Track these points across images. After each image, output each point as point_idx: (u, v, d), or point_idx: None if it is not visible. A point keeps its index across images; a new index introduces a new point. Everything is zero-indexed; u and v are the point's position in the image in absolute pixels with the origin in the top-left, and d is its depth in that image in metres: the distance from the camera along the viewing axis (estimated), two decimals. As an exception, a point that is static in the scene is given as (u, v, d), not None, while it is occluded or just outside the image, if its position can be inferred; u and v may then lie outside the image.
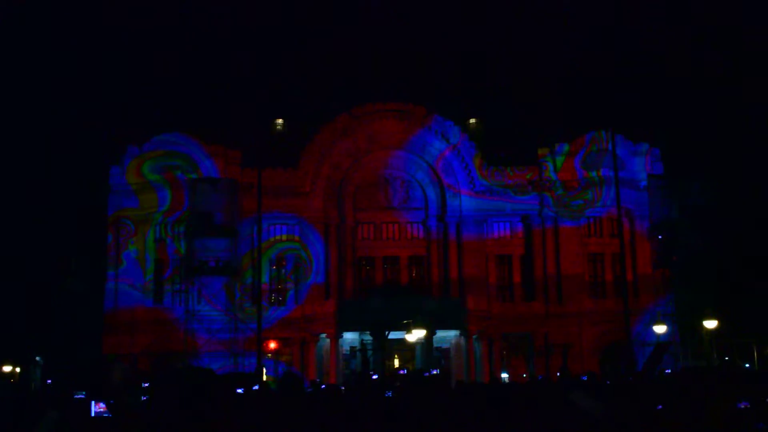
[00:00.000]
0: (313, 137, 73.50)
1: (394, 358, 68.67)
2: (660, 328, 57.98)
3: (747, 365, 64.10)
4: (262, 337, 50.29)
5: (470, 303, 65.67)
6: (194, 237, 65.68)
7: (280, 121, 74.27)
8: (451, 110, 75.04)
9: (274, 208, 68.98)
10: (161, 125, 73.28)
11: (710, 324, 52.97)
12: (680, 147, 74.98)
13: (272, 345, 66.22)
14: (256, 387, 27.99)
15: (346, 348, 67.68)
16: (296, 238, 71.90)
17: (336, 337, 65.29)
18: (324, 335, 65.84)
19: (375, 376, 40.54)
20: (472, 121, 75.45)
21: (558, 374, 57.55)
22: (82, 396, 21.12)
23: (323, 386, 29.84)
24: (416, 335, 54.51)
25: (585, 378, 29.87)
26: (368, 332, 61.38)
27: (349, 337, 65.98)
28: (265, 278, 68.75)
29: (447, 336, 66.18)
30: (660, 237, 66.28)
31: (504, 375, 66.51)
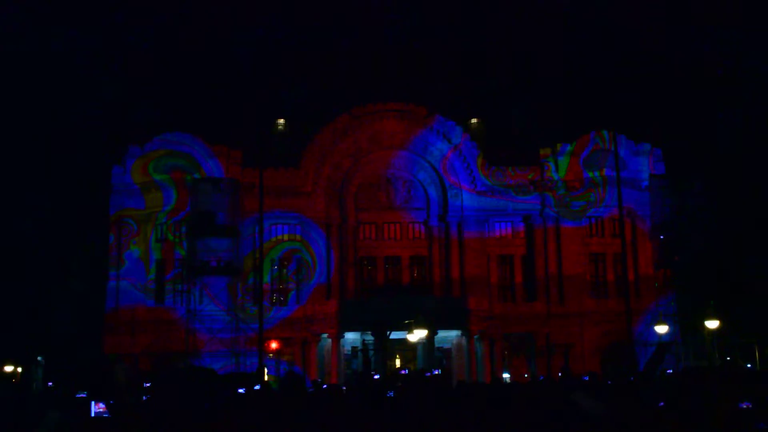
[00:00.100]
0: (314, 137, 73.51)
1: (395, 358, 68.67)
2: (662, 328, 57.94)
3: (749, 365, 64.00)
4: (264, 336, 50.25)
5: (472, 303, 65.67)
6: (196, 237, 65.68)
7: (281, 121, 74.33)
8: (453, 110, 75.07)
9: (275, 208, 69.04)
10: (162, 125, 73.39)
11: (712, 324, 52.96)
12: (681, 147, 74.97)
13: (274, 345, 66.22)
14: (257, 387, 28.01)
15: (347, 348, 67.69)
16: (298, 238, 71.94)
17: (337, 337, 65.30)
18: (325, 335, 65.85)
19: (376, 376, 40.52)
20: (474, 121, 75.48)
21: (559, 374, 57.51)
22: (84, 396, 21.12)
23: (325, 386, 29.86)
24: (418, 335, 54.52)
25: (586, 378, 29.86)
26: (370, 332, 61.44)
27: (351, 337, 66.00)
28: (266, 278, 68.76)
29: (448, 336, 66.17)
30: (662, 237, 66.23)
31: (505, 375, 66.55)
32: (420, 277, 74.38)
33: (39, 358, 66.86)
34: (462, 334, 65.79)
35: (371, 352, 59.82)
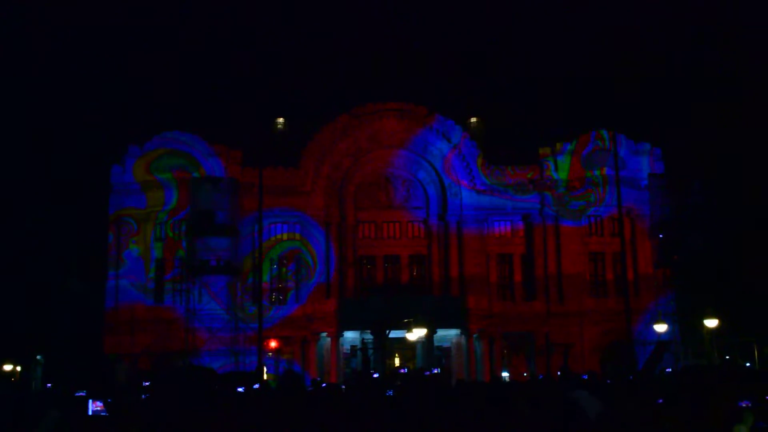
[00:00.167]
0: (313, 136, 73.51)
1: (394, 356, 68.71)
2: (661, 327, 57.98)
3: (748, 364, 64.08)
4: (263, 335, 50.28)
5: (471, 302, 65.68)
6: (195, 236, 65.72)
7: (281, 120, 74.28)
8: (453, 109, 75.15)
9: (275, 207, 69.01)
10: (162, 124, 73.42)
11: (711, 323, 53.01)
12: (681, 147, 75.03)
13: (273, 344, 66.22)
14: (256, 386, 28.03)
15: (346, 347, 67.72)
16: (297, 237, 71.93)
17: (337, 335, 65.33)
18: (325, 334, 65.87)
19: (376, 375, 40.53)
20: (473, 120, 75.45)
21: (559, 373, 57.52)
22: (83, 395, 21.13)
23: (324, 385, 29.87)
24: (417, 334, 54.56)
25: (586, 377, 29.88)
26: (369, 331, 61.45)
27: (350, 335, 66.02)
28: (266, 277, 68.79)
29: (448, 335, 66.19)
30: (661, 236, 66.27)
31: (505, 374, 66.54)
32: (419, 276, 74.38)
33: (38, 357, 66.89)
34: (461, 333, 65.81)
35: (370, 351, 59.83)
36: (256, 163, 64.78)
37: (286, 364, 65.63)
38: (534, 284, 72.09)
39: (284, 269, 72.03)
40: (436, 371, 46.16)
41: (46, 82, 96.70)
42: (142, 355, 63.22)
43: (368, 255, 74.17)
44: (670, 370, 49.27)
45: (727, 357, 64.86)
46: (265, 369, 47.38)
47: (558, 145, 72.90)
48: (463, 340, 66.07)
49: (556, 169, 72.34)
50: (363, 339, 63.41)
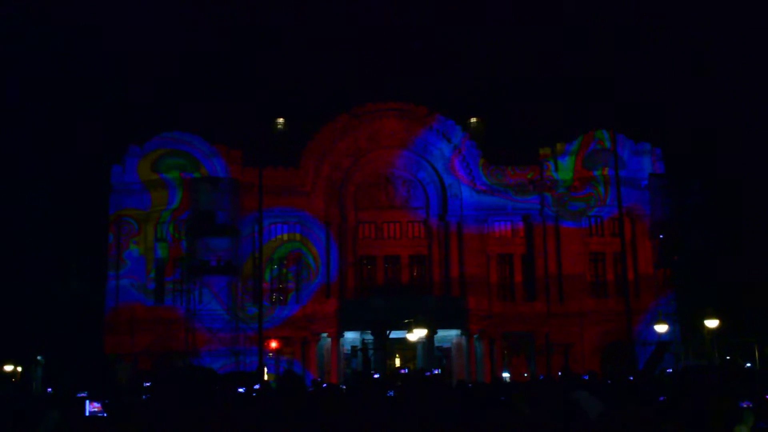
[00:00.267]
0: (313, 136, 73.52)
1: (395, 357, 68.72)
2: (661, 328, 57.94)
3: (748, 364, 64.03)
4: (264, 336, 50.27)
5: (471, 302, 65.67)
6: (195, 236, 65.74)
7: (280, 120, 74.31)
8: (453, 109, 75.12)
9: (275, 207, 69.04)
10: (162, 125, 73.45)
11: (711, 323, 52.97)
12: (681, 146, 75.02)
13: (273, 344, 66.21)
14: (257, 386, 28.00)
15: (347, 347, 67.70)
16: (297, 237, 71.94)
17: (337, 336, 65.33)
18: (325, 334, 65.86)
19: (376, 376, 40.50)
20: (474, 120, 75.46)
21: (559, 374, 57.47)
22: (84, 395, 21.10)
23: (324, 385, 29.84)
24: (417, 334, 54.56)
25: (586, 377, 29.85)
26: (369, 331, 61.42)
27: (350, 336, 66.01)
28: (266, 277, 68.79)
29: (448, 335, 66.18)
30: (661, 236, 66.26)
31: (505, 374, 66.53)
32: (419, 276, 74.37)
33: (39, 358, 66.86)
34: (461, 334, 65.80)
35: (371, 352, 59.81)
36: (256, 163, 64.75)
37: (287, 365, 65.64)
38: (534, 284, 72.07)
39: (284, 270, 72.03)
40: (436, 372, 46.15)
41: (46, 82, 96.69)
42: (142, 355, 63.21)
43: (368, 255, 74.16)
44: (671, 370, 49.23)
45: (728, 357, 64.78)
46: (265, 369, 47.40)
47: (558, 146, 72.87)
48: (463, 340, 66.06)
49: (557, 169, 72.32)
50: (363, 339, 63.39)
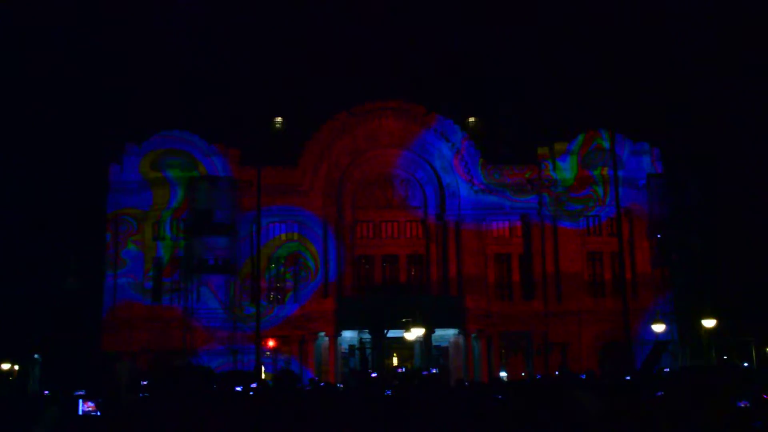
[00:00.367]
0: (312, 135, 73.53)
1: (392, 356, 68.67)
2: (659, 327, 58.01)
3: (746, 364, 64.10)
4: (262, 335, 50.28)
5: (469, 302, 65.65)
6: (193, 235, 65.72)
7: (279, 119, 74.24)
8: (452, 109, 75.18)
9: (273, 206, 69.04)
10: (160, 123, 73.41)
11: (709, 323, 53.00)
12: (680, 146, 75.05)
13: (271, 343, 66.20)
14: (254, 385, 28.02)
15: (344, 346, 67.69)
16: (296, 236, 71.92)
17: (335, 335, 65.26)
18: (323, 333, 65.82)
19: (374, 375, 40.55)
20: (472, 119, 75.42)
21: (557, 373, 57.53)
22: (82, 393, 21.10)
23: (322, 384, 29.87)
24: (415, 334, 54.55)
25: (584, 376, 29.91)
26: (367, 330, 61.47)
27: (348, 335, 65.98)
28: (264, 276, 68.80)
29: (446, 334, 66.18)
30: (659, 236, 66.31)
31: (503, 373, 66.52)
32: (417, 275, 74.36)
33: (36, 357, 66.78)
34: (459, 333, 65.79)
35: (368, 351, 59.87)
36: (254, 162, 64.74)
37: (284, 364, 65.65)
38: (532, 284, 72.08)
39: (282, 268, 72.02)
40: (434, 371, 46.21)
41: (45, 81, 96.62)
42: (140, 354, 63.18)
43: (366, 254, 74.14)
44: (668, 369, 49.29)
45: (725, 357, 64.87)
46: (263, 368, 47.45)
47: (556, 145, 72.87)
48: (461, 339, 66.05)
49: (555, 168, 72.33)
50: (361, 338, 63.42)
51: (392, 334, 58.29)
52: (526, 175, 72.68)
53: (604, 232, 72.45)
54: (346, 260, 72.76)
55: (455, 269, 71.99)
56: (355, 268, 73.59)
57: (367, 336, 62.25)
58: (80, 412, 16.38)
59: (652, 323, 58.96)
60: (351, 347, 67.43)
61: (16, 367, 68.62)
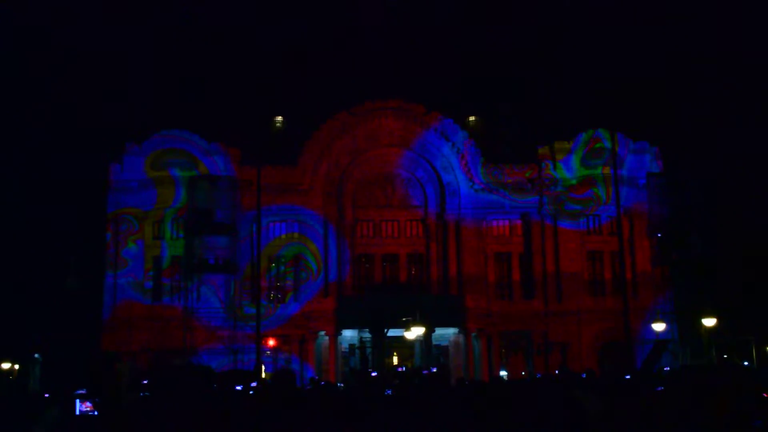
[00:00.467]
0: (312, 135, 73.56)
1: (393, 355, 68.69)
2: (659, 326, 58.01)
3: (746, 363, 64.09)
4: (262, 334, 50.28)
5: (469, 301, 65.68)
6: (194, 234, 65.67)
7: (279, 118, 74.25)
8: (452, 108, 75.17)
9: (273, 205, 69.11)
10: (161, 123, 73.43)
11: (709, 322, 53.02)
12: (680, 145, 75.07)
13: (271, 342, 66.22)
14: (254, 384, 28.04)
15: (345, 345, 67.73)
16: (296, 235, 71.96)
17: (335, 334, 65.28)
18: (323, 333, 65.85)
19: (374, 374, 40.56)
20: (472, 118, 75.41)
21: (557, 372, 57.49)
22: (83, 392, 21.08)
23: (322, 383, 29.88)
24: (415, 333, 54.60)
25: (584, 375, 29.88)
26: (367, 330, 61.49)
27: (348, 334, 66.01)
28: (264, 276, 68.83)
29: (446, 334, 66.21)
30: (659, 235, 66.29)
31: (503, 373, 66.53)
32: (418, 274, 74.38)
33: (36, 356, 66.81)
34: (459, 332, 65.82)
35: (369, 350, 59.88)
36: (255, 161, 64.68)
37: (284, 363, 65.67)
38: (532, 283, 72.11)
39: (282, 267, 72.04)
40: (434, 370, 46.19)
41: (45, 81, 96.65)
42: (140, 353, 63.20)
43: (367, 253, 74.16)
44: (669, 368, 49.28)
45: (726, 356, 64.87)
46: (263, 368, 47.47)
47: (557, 144, 72.89)
48: (461, 338, 66.07)
49: (555, 168, 72.35)
50: (361, 337, 63.45)
51: (392, 333, 58.31)
52: (527, 175, 72.70)
53: (604, 232, 72.45)
54: (346, 259, 72.78)
55: (455, 268, 72.01)
56: (356, 267, 73.62)
57: (367, 335, 62.26)
58: (77, 412, 16.37)
59: (653, 322, 58.98)
60: (351, 346, 67.45)
61: (17, 367, 68.65)
